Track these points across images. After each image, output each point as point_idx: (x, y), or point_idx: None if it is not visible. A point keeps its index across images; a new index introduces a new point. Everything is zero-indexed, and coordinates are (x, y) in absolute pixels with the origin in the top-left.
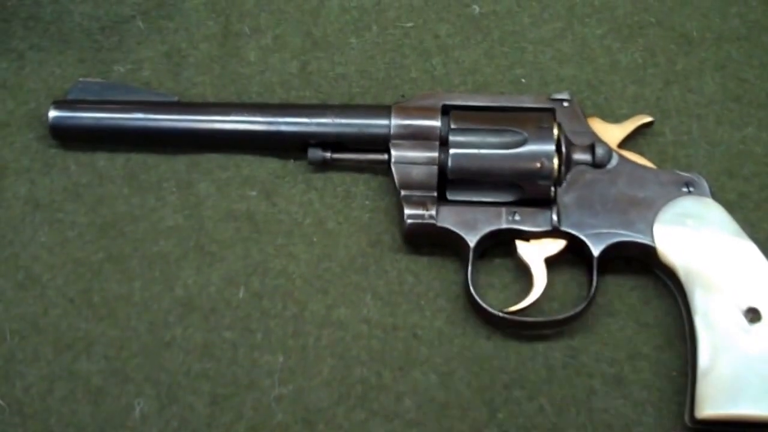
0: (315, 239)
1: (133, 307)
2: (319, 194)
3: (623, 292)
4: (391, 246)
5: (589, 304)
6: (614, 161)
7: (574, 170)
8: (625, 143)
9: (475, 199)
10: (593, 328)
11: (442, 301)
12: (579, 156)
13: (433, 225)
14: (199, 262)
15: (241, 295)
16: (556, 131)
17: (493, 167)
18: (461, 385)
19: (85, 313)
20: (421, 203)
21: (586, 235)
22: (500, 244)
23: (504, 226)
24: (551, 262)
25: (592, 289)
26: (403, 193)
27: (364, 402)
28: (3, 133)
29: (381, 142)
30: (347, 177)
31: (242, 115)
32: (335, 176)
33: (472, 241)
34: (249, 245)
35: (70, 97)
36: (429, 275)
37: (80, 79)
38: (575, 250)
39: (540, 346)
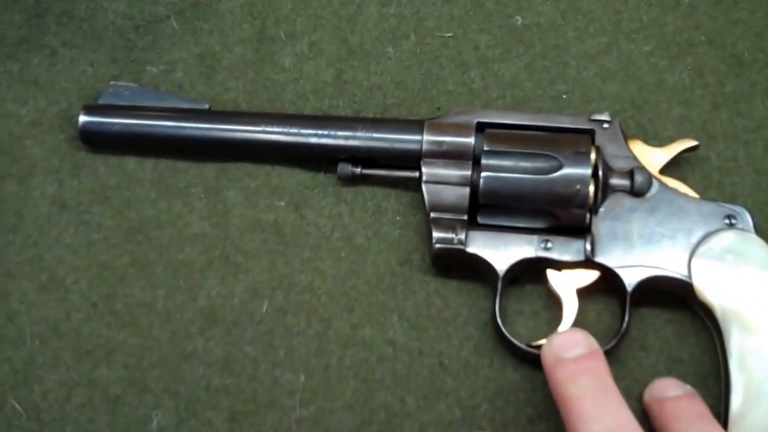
0: (343, 254)
1: (155, 316)
2: (349, 208)
3: (658, 325)
4: (420, 266)
5: (620, 340)
6: (654, 189)
7: (611, 198)
8: (667, 168)
9: (506, 224)
10: (624, 362)
11: (469, 328)
12: (617, 182)
13: (462, 250)
14: (223, 272)
15: (264, 309)
16: (593, 156)
17: (525, 193)
18: (485, 421)
19: (107, 319)
20: (450, 227)
21: (619, 268)
22: (531, 272)
23: (535, 254)
24: (583, 293)
25: (624, 325)
26: (432, 215)
27: (387, 429)
28: (33, 132)
29: (412, 159)
30: (378, 191)
31: (272, 126)
32: (366, 190)
33: (501, 269)
34: (275, 257)
35: (101, 101)
36: (458, 300)
37: (111, 82)
38: (608, 281)
39: None
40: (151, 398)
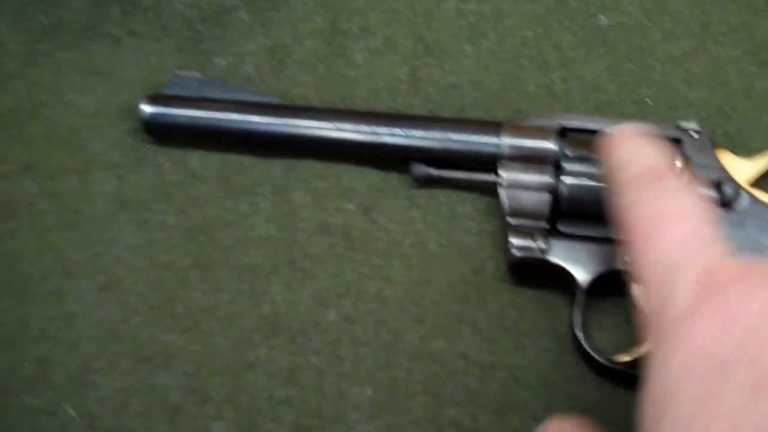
0: (414, 261)
1: (217, 322)
2: (422, 212)
3: None
4: (495, 275)
5: None
6: (743, 201)
7: None
8: (757, 182)
9: (589, 233)
10: None
11: (547, 341)
12: (704, 193)
13: (543, 260)
14: (289, 277)
15: (331, 317)
16: (681, 165)
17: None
18: None
19: (167, 324)
20: (529, 234)
21: None
22: (614, 285)
23: (620, 266)
24: None
25: None
26: (511, 221)
27: None
28: (93, 124)
29: (490, 162)
30: (453, 195)
31: (344, 123)
32: (440, 194)
33: (584, 281)
34: (343, 263)
35: (166, 91)
36: (534, 311)
37: (177, 72)
38: None
39: None
40: (212, 408)
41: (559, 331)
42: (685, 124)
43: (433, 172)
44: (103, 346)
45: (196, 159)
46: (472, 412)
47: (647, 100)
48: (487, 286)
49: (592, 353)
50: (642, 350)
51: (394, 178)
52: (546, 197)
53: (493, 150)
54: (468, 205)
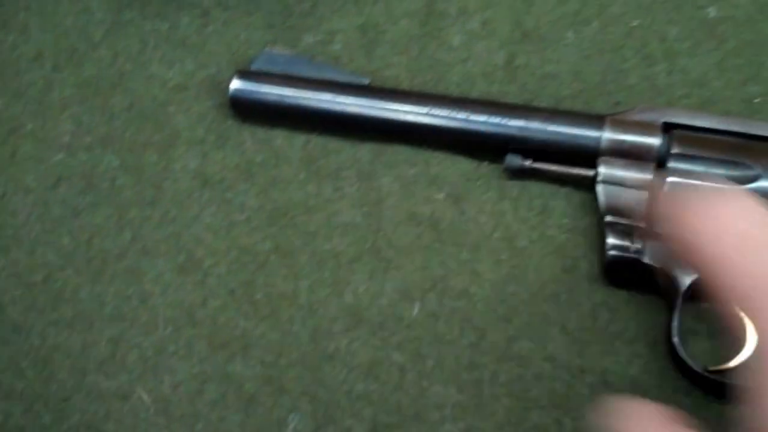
0: (503, 257)
1: (297, 310)
2: (513, 205)
3: None
4: (587, 274)
5: None
6: None
7: None
8: None
9: None
10: None
11: (639, 345)
12: None
13: (639, 261)
14: (373, 267)
15: (415, 312)
16: None
17: None
18: None
19: (245, 309)
20: (626, 233)
21: None
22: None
23: None
24: None
25: None
26: (607, 218)
27: None
28: (179, 97)
29: (589, 156)
30: (546, 189)
31: (439, 108)
32: (533, 186)
33: (683, 284)
34: (430, 256)
35: (254, 67)
36: (627, 313)
37: (267, 48)
38: None
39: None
40: (288, 400)
41: (652, 335)
42: None
43: (528, 164)
44: (180, 330)
45: (280, 139)
46: (557, 418)
47: (756, 99)
48: (579, 285)
49: (689, 361)
50: (736, 361)
51: (485, 168)
52: (645, 195)
53: (594, 144)
54: (561, 199)
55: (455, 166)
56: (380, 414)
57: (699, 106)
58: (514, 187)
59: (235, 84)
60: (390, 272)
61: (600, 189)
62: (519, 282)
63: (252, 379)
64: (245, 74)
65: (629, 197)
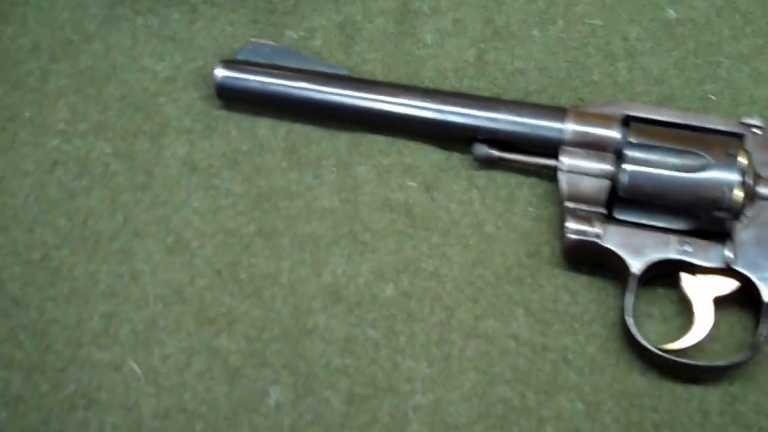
0: (471, 242)
1: (279, 288)
2: (481, 194)
3: None
4: (549, 259)
5: (753, 354)
6: None
7: (757, 205)
8: None
9: (644, 222)
10: (756, 377)
11: (597, 326)
12: (764, 190)
13: (597, 244)
14: (350, 250)
15: (389, 292)
16: (743, 160)
17: (669, 190)
18: (608, 419)
19: (230, 288)
20: (586, 219)
21: (760, 279)
22: (665, 275)
23: (673, 256)
24: (720, 302)
25: (758, 338)
26: (567, 204)
27: (504, 423)
28: (168, 89)
29: (551, 147)
30: (512, 179)
31: (412, 98)
32: (499, 176)
33: (636, 267)
34: (403, 240)
35: (239, 57)
36: (587, 296)
37: (251, 39)
38: (746, 292)
39: (696, 389)
40: (270, 373)
41: (610, 317)
42: (748, 120)
43: (495, 153)
44: (169, 306)
45: (263, 129)
46: (521, 391)
47: (712, 96)
48: (542, 269)
49: (641, 340)
50: (687, 341)
51: (455, 159)
52: (605, 183)
53: (556, 135)
54: (526, 189)
55: (428, 157)
56: (356, 386)
57: (658, 102)
58: (482, 176)
59: (220, 72)
60: (366, 254)
61: (562, 178)
62: (486, 265)
63: (236, 352)
64: (230, 63)
65: (589, 185)
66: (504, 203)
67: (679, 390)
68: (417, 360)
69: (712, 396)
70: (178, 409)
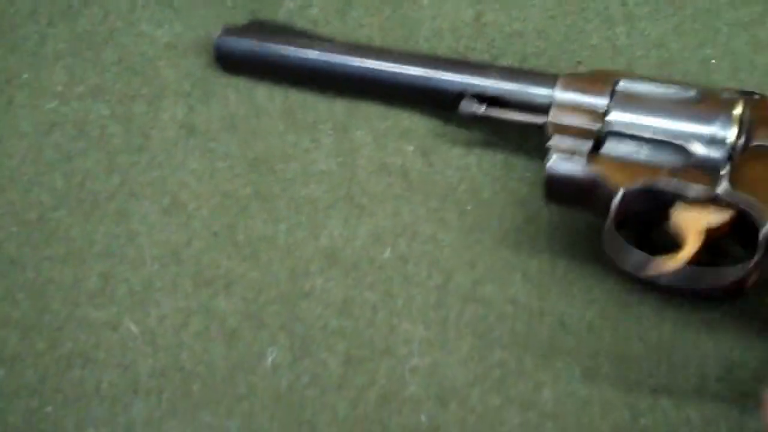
0: (468, 207)
1: (275, 251)
2: (478, 159)
3: None
4: (548, 225)
5: (751, 271)
6: None
7: (752, 148)
8: None
9: (632, 157)
10: (754, 344)
11: (596, 291)
12: (761, 142)
13: (578, 177)
14: (347, 213)
15: (386, 255)
16: (739, 105)
17: (659, 122)
18: (605, 384)
19: (227, 250)
20: (570, 151)
21: (754, 210)
22: (653, 211)
23: (662, 186)
24: (712, 238)
25: (757, 257)
26: (553, 139)
27: (501, 387)
28: (167, 54)
29: (541, 109)
30: (510, 144)
31: (399, 62)
32: (497, 142)
33: (622, 189)
34: (400, 204)
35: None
36: (584, 261)
37: (253, 18)
38: (740, 225)
39: (694, 355)
40: (267, 334)
41: (608, 282)
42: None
43: (480, 109)
44: (166, 267)
45: (261, 94)
46: (518, 355)
47: (712, 60)
48: (540, 235)
49: (625, 242)
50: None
51: (453, 124)
52: (595, 125)
53: (546, 101)
54: (523, 156)
55: (425, 121)
56: (353, 348)
57: (657, 66)
58: (479, 142)
59: (220, 38)
60: (363, 218)
61: (548, 126)
62: (483, 230)
63: (233, 314)
64: (230, 30)
65: (576, 122)
66: (502, 169)
67: (677, 356)
68: (414, 323)
69: (709, 361)
70: (175, 368)
